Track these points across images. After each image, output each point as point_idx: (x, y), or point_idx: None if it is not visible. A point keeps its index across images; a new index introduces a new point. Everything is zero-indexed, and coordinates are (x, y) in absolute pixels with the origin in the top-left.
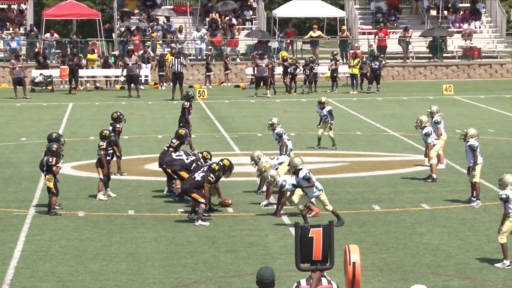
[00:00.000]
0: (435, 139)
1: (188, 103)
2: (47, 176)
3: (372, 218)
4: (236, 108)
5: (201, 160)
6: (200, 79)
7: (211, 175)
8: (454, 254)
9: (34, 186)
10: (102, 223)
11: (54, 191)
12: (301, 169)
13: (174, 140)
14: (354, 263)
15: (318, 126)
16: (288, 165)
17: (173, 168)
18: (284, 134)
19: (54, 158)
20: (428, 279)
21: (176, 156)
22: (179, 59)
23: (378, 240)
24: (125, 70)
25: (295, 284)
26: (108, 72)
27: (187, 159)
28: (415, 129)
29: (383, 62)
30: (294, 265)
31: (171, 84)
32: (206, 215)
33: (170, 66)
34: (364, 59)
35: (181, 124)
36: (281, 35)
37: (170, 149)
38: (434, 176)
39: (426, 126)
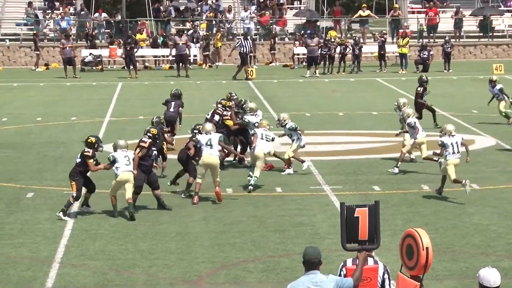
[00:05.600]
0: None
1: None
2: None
3: (421, 198)
4: (284, 88)
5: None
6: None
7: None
8: (504, 234)
9: None
10: (151, 202)
11: (74, 194)
12: (287, 123)
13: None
14: (427, 248)
15: (488, 105)
16: (277, 120)
17: None
18: (297, 128)
19: (91, 150)
20: (477, 259)
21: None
22: (247, 41)
23: (427, 220)
24: (174, 49)
25: (342, 263)
26: (157, 52)
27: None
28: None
29: (431, 53)
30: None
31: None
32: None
33: (237, 45)
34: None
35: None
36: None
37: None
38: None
39: (410, 116)
